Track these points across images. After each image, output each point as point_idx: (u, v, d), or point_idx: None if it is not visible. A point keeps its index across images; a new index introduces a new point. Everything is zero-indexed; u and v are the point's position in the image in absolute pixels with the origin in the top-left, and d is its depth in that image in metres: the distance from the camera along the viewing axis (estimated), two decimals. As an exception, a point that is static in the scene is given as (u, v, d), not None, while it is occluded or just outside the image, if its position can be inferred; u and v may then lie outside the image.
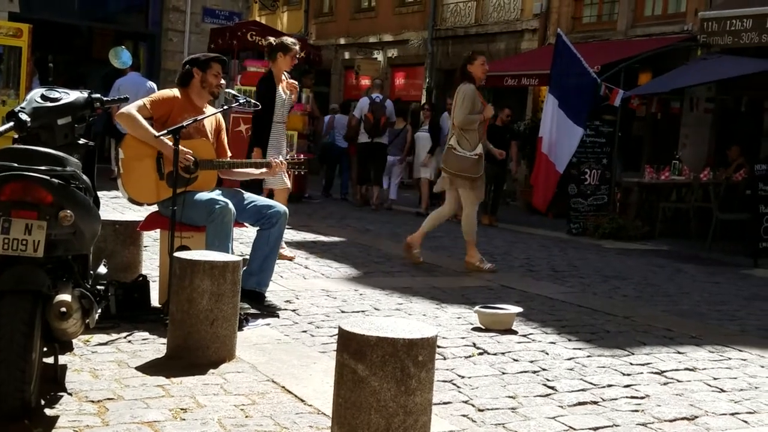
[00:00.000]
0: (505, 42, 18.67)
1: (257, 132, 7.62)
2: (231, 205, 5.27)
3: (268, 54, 7.85)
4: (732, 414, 4.14)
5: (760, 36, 11.63)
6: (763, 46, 11.96)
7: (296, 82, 8.03)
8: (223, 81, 5.68)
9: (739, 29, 11.97)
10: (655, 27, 15.16)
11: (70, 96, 4.03)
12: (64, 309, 3.35)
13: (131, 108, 5.28)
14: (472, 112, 8.05)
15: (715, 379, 4.74)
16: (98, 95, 4.21)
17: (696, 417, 4.06)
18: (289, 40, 7.95)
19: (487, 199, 13.44)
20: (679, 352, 5.29)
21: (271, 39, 8.12)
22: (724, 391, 4.52)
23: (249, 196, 5.65)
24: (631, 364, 4.94)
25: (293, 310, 5.81)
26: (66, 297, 3.39)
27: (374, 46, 22.73)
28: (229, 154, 5.78)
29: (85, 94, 4.11)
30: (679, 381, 4.65)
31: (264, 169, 5.76)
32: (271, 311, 5.61)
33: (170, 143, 5.13)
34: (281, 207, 5.63)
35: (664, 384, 4.58)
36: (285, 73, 7.80)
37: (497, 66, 17.25)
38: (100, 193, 4.08)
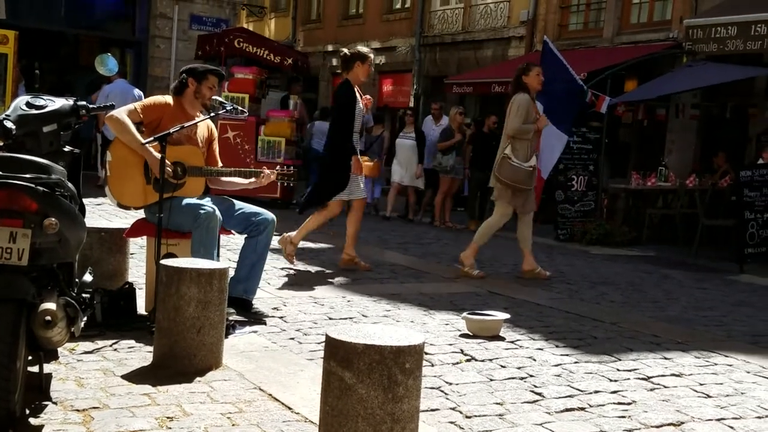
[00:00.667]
0: (492, 49, 18.73)
1: (344, 142, 7.67)
2: (217, 212, 5.26)
3: (344, 64, 7.84)
4: (718, 420, 4.15)
5: (744, 43, 11.72)
6: (747, 53, 12.04)
7: (371, 98, 8.07)
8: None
9: (724, 36, 12.05)
10: (641, 34, 15.25)
11: (55, 103, 4.02)
12: (48, 317, 3.33)
13: (122, 111, 5.28)
14: (525, 122, 8.02)
15: (701, 384, 4.75)
16: (84, 102, 4.20)
17: (682, 423, 4.07)
18: (364, 49, 8.01)
19: (473, 204, 13.52)
20: (665, 358, 5.30)
21: (345, 50, 8.16)
22: (710, 396, 4.53)
23: (236, 203, 5.64)
24: (618, 370, 4.96)
25: (281, 317, 5.80)
26: (51, 305, 3.37)
27: (362, 53, 22.73)
28: (220, 164, 5.77)
29: (70, 102, 4.10)
30: (665, 387, 4.66)
31: (253, 179, 5.73)
32: (258, 318, 5.59)
33: (155, 152, 5.13)
34: (269, 214, 5.62)
35: (651, 390, 4.59)
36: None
37: (484, 73, 17.34)
38: (86, 201, 4.07)
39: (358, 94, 7.81)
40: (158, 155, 5.09)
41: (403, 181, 13.91)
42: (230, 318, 5.17)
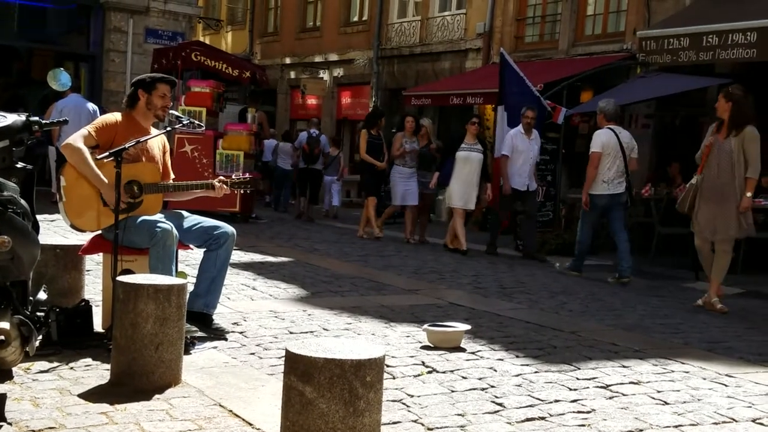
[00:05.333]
0: (449, 61, 18.86)
1: None
2: (173, 229, 5.21)
3: None
4: (675, 426, 4.20)
5: (697, 54, 11.92)
6: (699, 63, 12.26)
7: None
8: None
9: (677, 48, 12.24)
10: (596, 46, 15.47)
11: (7, 119, 3.95)
12: (2, 337, 3.28)
13: (77, 139, 5.19)
14: None
15: (659, 392, 4.80)
16: (36, 118, 4.14)
17: (641, 430, 4.10)
18: None
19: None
20: (624, 366, 5.35)
21: None
22: (667, 403, 4.58)
23: (194, 218, 5.59)
24: (578, 378, 4.99)
25: (241, 333, 5.76)
26: (4, 325, 3.32)
27: (320, 65, 22.78)
28: (173, 176, 5.72)
29: (23, 117, 4.04)
30: (624, 395, 4.70)
31: (210, 190, 5.68)
32: (218, 334, 5.54)
33: (107, 180, 5.09)
34: (228, 228, 5.57)
35: (610, 398, 4.63)
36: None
37: (442, 85, 17.45)
38: (40, 217, 4.00)
39: None
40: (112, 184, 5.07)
41: (468, 204, 11.77)
42: (190, 334, 5.12)
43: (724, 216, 7.89)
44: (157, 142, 5.57)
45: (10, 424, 3.63)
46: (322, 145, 16.26)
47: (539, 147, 11.74)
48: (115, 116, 5.50)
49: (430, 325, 5.80)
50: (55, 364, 4.60)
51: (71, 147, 5.17)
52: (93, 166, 5.15)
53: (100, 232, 5.42)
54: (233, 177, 5.77)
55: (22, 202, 3.56)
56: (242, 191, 5.91)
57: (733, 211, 7.85)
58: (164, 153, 5.67)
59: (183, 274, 5.49)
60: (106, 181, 5.12)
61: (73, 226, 5.33)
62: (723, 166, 7.88)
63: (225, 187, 5.60)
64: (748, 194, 7.75)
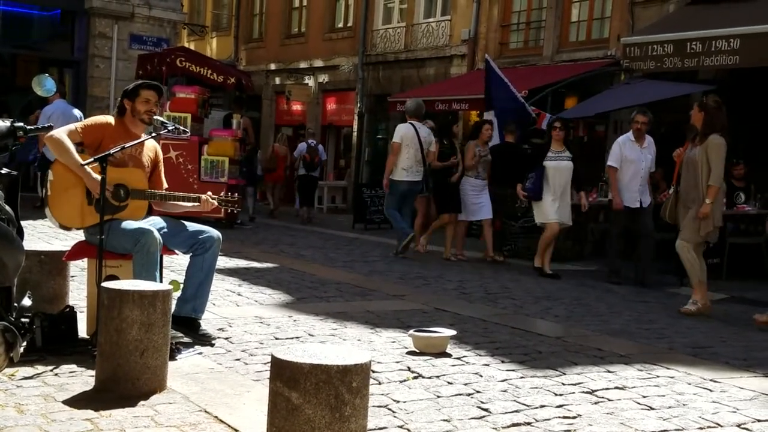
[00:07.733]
0: (434, 67, 18.90)
1: None
2: (157, 234, 5.19)
3: None
4: (661, 431, 4.21)
5: (681, 60, 11.99)
6: (684, 70, 12.33)
7: None
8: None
9: (661, 54, 12.31)
10: (580, 52, 15.54)
11: (-9, 125, 3.94)
12: (-14, 343, 3.25)
13: (61, 132, 5.20)
14: None
15: (644, 397, 4.82)
16: (21, 124, 4.13)
17: (627, 435, 4.12)
18: None
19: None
20: (609, 371, 5.37)
21: None
22: (653, 408, 4.60)
23: (179, 223, 5.57)
24: (563, 384, 5.00)
25: (226, 338, 5.74)
26: (-12, 331, 3.30)
27: (305, 71, 22.77)
28: (165, 186, 5.69)
29: (7, 123, 4.02)
30: (609, 400, 4.72)
31: (196, 203, 5.66)
32: (204, 340, 5.52)
33: (94, 173, 5.07)
34: (214, 232, 5.55)
35: (595, 403, 4.64)
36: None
37: (427, 91, 17.47)
38: (24, 223, 3.98)
39: None
40: (97, 177, 5.03)
41: (563, 218, 10.64)
42: (175, 340, 5.10)
43: (684, 220, 8.11)
44: (147, 151, 5.56)
45: (-7, 431, 3.61)
46: (320, 154, 17.55)
47: (653, 156, 10.30)
48: (107, 118, 5.51)
49: (415, 331, 5.80)
50: (40, 370, 4.58)
51: (53, 137, 5.16)
52: (74, 154, 5.13)
53: (83, 238, 5.40)
54: (221, 195, 5.79)
55: (7, 208, 3.54)
56: (228, 211, 5.95)
57: (693, 217, 8.00)
58: (156, 163, 5.66)
59: (176, 284, 5.46)
60: (87, 168, 5.10)
61: (57, 224, 5.30)
62: (689, 173, 8.03)
63: (213, 202, 5.59)
64: (708, 200, 7.86)
